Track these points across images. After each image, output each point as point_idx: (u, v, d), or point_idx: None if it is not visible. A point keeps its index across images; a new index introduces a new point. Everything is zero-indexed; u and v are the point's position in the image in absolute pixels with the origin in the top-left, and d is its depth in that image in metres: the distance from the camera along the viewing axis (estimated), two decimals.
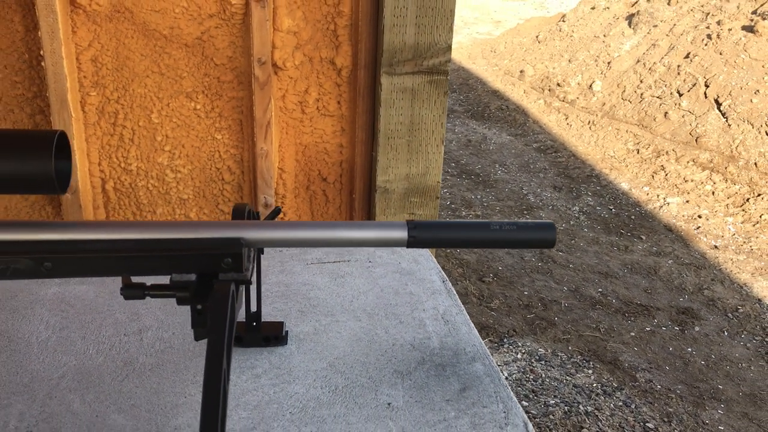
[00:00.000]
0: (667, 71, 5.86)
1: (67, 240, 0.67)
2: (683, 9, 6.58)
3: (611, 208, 4.47)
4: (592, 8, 7.89)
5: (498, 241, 0.71)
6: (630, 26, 6.83)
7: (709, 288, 3.53)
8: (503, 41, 8.56)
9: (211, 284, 0.67)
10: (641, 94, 5.83)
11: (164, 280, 0.72)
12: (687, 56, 5.87)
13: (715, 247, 4.00)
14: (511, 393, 0.94)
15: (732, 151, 4.92)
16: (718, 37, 5.83)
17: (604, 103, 6.06)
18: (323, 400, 0.89)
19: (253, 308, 0.99)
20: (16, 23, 1.69)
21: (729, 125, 5.11)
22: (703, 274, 3.68)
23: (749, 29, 5.79)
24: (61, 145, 0.63)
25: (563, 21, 8.09)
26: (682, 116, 5.38)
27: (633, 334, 3.06)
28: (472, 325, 1.09)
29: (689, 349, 2.98)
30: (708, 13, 6.26)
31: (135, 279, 0.72)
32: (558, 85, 6.64)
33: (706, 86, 5.46)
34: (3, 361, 0.92)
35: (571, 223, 4.21)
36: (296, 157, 1.94)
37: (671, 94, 5.62)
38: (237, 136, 1.88)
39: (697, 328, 3.16)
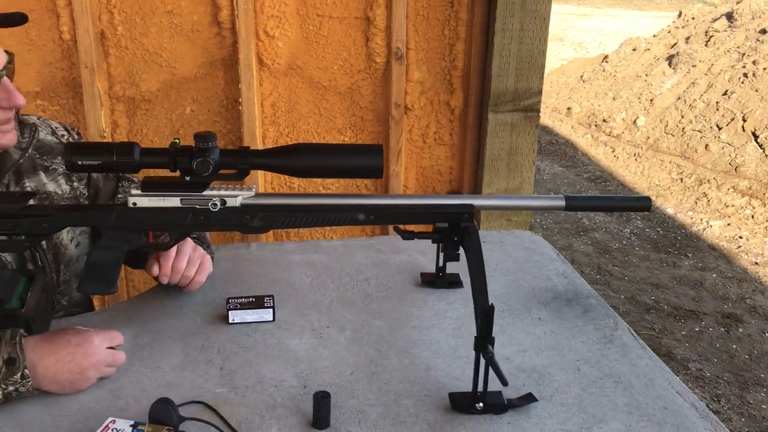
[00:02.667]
0: (707, 107, 6.34)
1: (383, 204, 1.22)
2: (720, 50, 7.07)
3: (659, 230, 4.93)
4: (633, 50, 8.43)
5: (617, 207, 1.25)
6: (670, 66, 7.33)
7: (750, 297, 3.97)
8: (549, 81, 9.11)
9: (458, 229, 1.21)
10: (683, 128, 6.31)
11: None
12: (725, 93, 6.34)
13: (756, 263, 4.43)
14: (617, 315, 1.46)
15: None
16: (754, 76, 6.30)
17: (648, 137, 6.55)
18: (497, 315, 1.42)
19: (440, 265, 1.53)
20: (219, 78, 2.30)
21: (766, 155, 5.55)
22: (744, 286, 4.12)
23: None
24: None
25: (606, 62, 8.63)
26: (722, 148, 5.84)
27: (684, 333, 3.51)
28: (583, 279, 1.61)
29: (734, 346, 3.42)
30: (744, 54, 6.74)
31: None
32: (604, 120, 7.16)
33: (744, 120, 5.92)
34: (290, 293, 1.46)
35: (624, 242, 4.69)
36: (416, 176, 2.50)
37: (711, 128, 6.09)
38: None
39: (740, 330, 3.60)
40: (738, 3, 7.94)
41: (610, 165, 6.40)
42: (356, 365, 1.25)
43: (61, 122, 1.54)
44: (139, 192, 1.18)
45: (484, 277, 1.11)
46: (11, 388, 1.07)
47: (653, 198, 5.50)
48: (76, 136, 1.53)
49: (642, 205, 1.26)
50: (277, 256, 1.69)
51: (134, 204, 1.18)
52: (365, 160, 1.15)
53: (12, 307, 1.23)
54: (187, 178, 1.17)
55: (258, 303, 1.39)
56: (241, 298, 1.40)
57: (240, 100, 2.28)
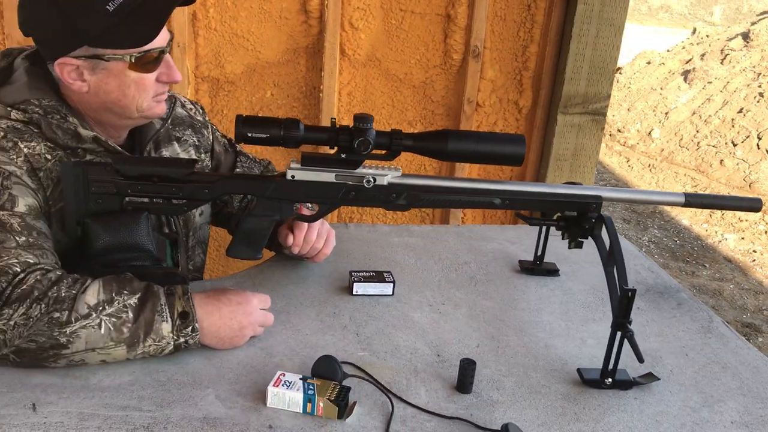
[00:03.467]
0: (722, 123, 6.48)
1: (516, 190, 1.31)
2: (735, 69, 7.22)
3: (676, 239, 5.06)
4: (648, 63, 8.57)
5: (731, 206, 1.35)
6: (686, 81, 7.48)
7: None
8: None
9: (588, 218, 1.30)
10: (698, 143, 6.45)
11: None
12: (740, 111, 6.49)
13: None
14: (710, 309, 1.55)
15: None
16: None
17: (663, 149, 6.69)
18: (594, 306, 1.51)
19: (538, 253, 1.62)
20: (301, 65, 2.38)
21: None
22: (761, 297, 4.25)
23: None
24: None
25: (620, 73, 8.76)
26: (737, 164, 5.98)
27: None
28: (669, 275, 1.71)
29: None
30: (759, 74, 6.89)
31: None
32: (618, 131, 7.29)
33: (759, 138, 6.07)
34: (399, 271, 1.54)
35: (643, 250, 4.81)
36: (479, 171, 2.59)
37: (726, 144, 6.24)
38: None
39: (760, 339, 3.72)
40: (753, 24, 8.10)
41: (625, 174, 6.53)
42: (480, 339, 1.34)
43: (186, 97, 1.62)
44: (298, 165, 1.26)
45: (623, 261, 1.20)
46: (182, 339, 1.15)
47: (669, 209, 5.63)
48: (201, 110, 1.61)
49: (754, 205, 1.35)
50: (376, 237, 1.77)
51: (293, 176, 1.26)
52: (511, 148, 1.24)
53: (169, 266, 1.31)
54: (343, 156, 1.25)
55: (379, 277, 1.47)
56: (363, 272, 1.49)
57: (321, 87, 2.36)
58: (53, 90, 1.28)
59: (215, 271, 2.39)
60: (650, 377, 1.24)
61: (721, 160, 6.11)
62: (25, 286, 1.07)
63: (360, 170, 1.27)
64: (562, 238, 1.38)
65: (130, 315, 1.11)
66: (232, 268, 2.34)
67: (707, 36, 8.80)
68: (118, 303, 1.11)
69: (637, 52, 9.08)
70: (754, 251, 4.94)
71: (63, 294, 1.08)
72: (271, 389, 1.08)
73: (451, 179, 1.32)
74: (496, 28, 2.39)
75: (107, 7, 1.19)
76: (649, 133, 7.01)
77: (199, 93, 2.35)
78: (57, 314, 1.07)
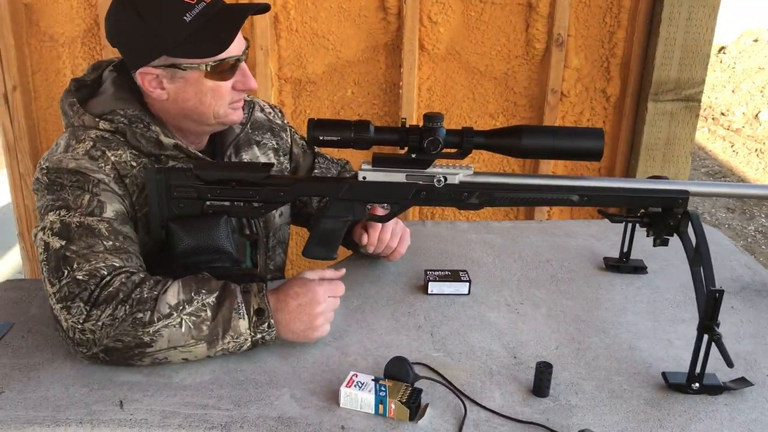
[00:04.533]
0: None
1: (595, 186, 1.26)
2: None
3: None
4: (755, 40, 8.05)
5: None
6: None
7: None
8: None
9: (674, 214, 1.24)
10: None
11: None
12: None
13: None
14: None
15: None
16: None
17: None
18: (684, 305, 1.43)
19: (624, 249, 1.56)
20: (381, 62, 2.38)
21: None
22: None
23: None
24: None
25: (723, 53, 8.28)
26: None
27: None
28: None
29: None
30: None
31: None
32: (722, 114, 6.89)
33: None
34: (476, 270, 1.52)
35: (749, 240, 4.54)
36: (565, 162, 2.51)
37: None
38: None
39: None
40: None
41: (729, 160, 6.17)
42: (559, 341, 1.30)
43: (265, 101, 1.66)
44: (369, 167, 1.26)
45: (710, 261, 1.14)
46: (259, 335, 1.18)
47: None
48: (279, 114, 1.64)
49: None
50: (453, 234, 1.75)
51: (364, 178, 1.27)
52: (589, 143, 1.20)
53: (248, 267, 1.35)
54: (413, 156, 1.24)
55: (454, 276, 1.46)
56: (438, 270, 1.48)
57: (400, 83, 2.36)
58: (137, 99, 1.34)
59: (296, 271, 2.44)
60: (743, 382, 1.16)
61: None
62: (111, 289, 1.13)
63: (430, 170, 1.26)
64: (647, 235, 1.32)
65: (209, 313, 1.15)
66: (312, 268, 2.38)
67: None
68: (197, 302, 1.15)
69: (743, 30, 8.55)
70: None
71: (146, 295, 1.14)
72: (343, 390, 1.09)
73: (525, 176, 1.29)
74: (581, 15, 2.31)
75: (185, 18, 1.24)
76: (756, 115, 6.58)
77: (283, 94, 2.40)
78: (140, 314, 1.12)
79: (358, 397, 1.09)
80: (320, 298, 1.23)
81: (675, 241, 1.29)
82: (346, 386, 1.10)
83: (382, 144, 1.24)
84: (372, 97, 2.43)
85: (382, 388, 1.09)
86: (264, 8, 1.33)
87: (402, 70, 2.33)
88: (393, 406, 1.07)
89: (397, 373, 1.13)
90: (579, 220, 2.33)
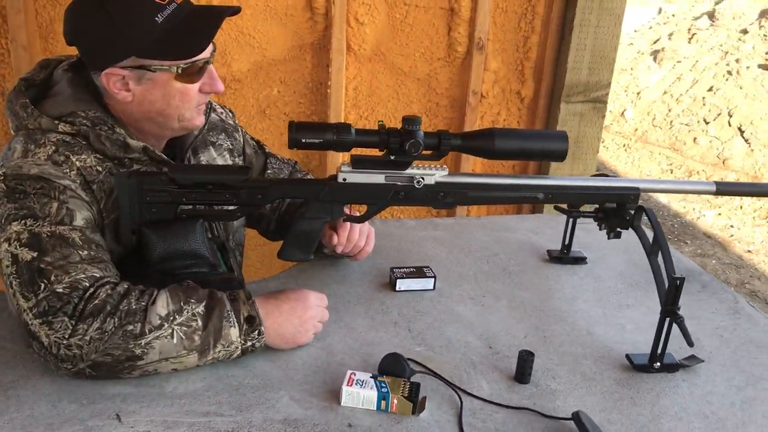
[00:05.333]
0: (693, 102, 6.64)
1: (558, 185, 1.35)
2: (703, 48, 7.38)
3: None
4: None
5: (760, 193, 1.41)
6: (655, 61, 7.62)
7: (749, 283, 4.25)
8: None
9: (627, 209, 1.36)
10: (671, 122, 6.60)
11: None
12: (710, 89, 6.65)
13: (749, 251, 4.73)
14: (731, 289, 1.62)
15: (756, 172, 5.68)
16: (738, 73, 6.62)
17: (637, 129, 6.83)
18: (625, 292, 1.57)
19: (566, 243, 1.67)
20: (307, 62, 2.39)
21: (752, 150, 5.87)
22: (742, 272, 4.40)
23: (765, 67, 6.59)
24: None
25: None
26: (710, 141, 6.14)
27: None
28: (689, 259, 1.78)
29: None
30: (727, 52, 7.06)
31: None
32: None
33: (730, 116, 6.23)
34: (434, 265, 1.58)
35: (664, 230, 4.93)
36: (483, 160, 2.63)
37: (698, 122, 6.39)
38: None
39: None
40: (717, 3, 8.28)
41: (601, 155, 6.65)
42: (526, 330, 1.39)
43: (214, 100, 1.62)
44: (349, 168, 1.28)
45: (668, 250, 1.26)
46: (249, 343, 1.17)
47: None
48: (231, 114, 1.62)
49: None
50: (403, 232, 1.81)
51: (344, 179, 1.29)
52: (555, 145, 1.28)
53: (225, 271, 1.33)
54: (392, 157, 1.28)
55: (419, 273, 1.51)
56: (404, 268, 1.52)
57: (328, 83, 2.37)
58: (97, 100, 1.28)
59: (249, 272, 2.39)
60: (694, 359, 1.30)
61: (695, 138, 6.27)
62: (97, 301, 1.08)
63: (409, 171, 1.30)
64: (600, 229, 1.43)
65: (200, 323, 1.13)
66: (266, 270, 2.36)
67: (673, 15, 8.96)
68: (187, 312, 1.13)
69: None
70: (731, 226, 5.09)
71: (134, 306, 1.10)
72: (345, 388, 1.11)
73: (496, 176, 1.36)
74: (498, 20, 2.43)
75: (156, 18, 1.20)
76: (623, 113, 7.14)
77: None
78: (131, 327, 1.08)
79: (360, 395, 1.11)
80: (311, 302, 1.25)
81: (603, 235, 1.41)
82: (347, 385, 1.12)
83: (362, 146, 1.26)
84: (298, 95, 2.43)
85: (383, 385, 1.12)
86: (237, 11, 1.31)
87: (330, 69, 2.35)
88: (395, 402, 1.10)
89: (394, 369, 1.16)
90: (511, 215, 2.46)
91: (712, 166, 5.93)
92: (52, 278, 1.09)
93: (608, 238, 1.41)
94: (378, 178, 1.30)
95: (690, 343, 1.22)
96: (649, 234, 1.35)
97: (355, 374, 1.14)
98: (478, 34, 2.38)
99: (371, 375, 1.14)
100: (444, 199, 1.32)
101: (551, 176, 1.38)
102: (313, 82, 2.42)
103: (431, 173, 1.31)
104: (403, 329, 1.35)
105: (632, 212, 1.36)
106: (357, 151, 1.26)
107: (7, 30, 2.11)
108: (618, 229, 1.39)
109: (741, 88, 6.45)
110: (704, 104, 6.51)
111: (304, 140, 1.22)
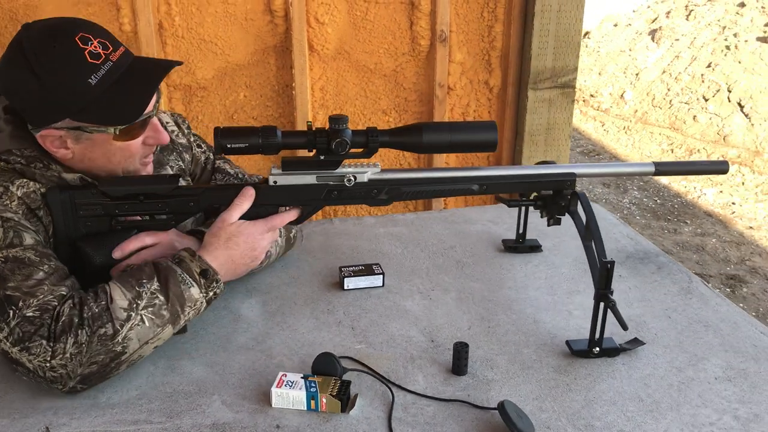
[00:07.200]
0: (692, 79, 6.56)
1: (492, 175, 1.35)
2: (701, 24, 7.29)
3: (656, 199, 5.14)
4: (615, 25, 8.62)
5: (699, 171, 1.40)
6: (653, 40, 7.54)
7: (750, 259, 4.19)
8: None
9: (563, 195, 1.35)
10: (670, 101, 6.52)
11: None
12: (709, 65, 6.56)
13: (750, 227, 4.66)
14: (687, 269, 1.61)
15: (757, 147, 5.60)
16: (736, 48, 6.53)
17: (636, 110, 6.76)
18: (578, 278, 1.56)
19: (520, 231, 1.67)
20: (271, 65, 2.40)
21: (752, 125, 5.79)
22: (743, 249, 4.35)
23: (764, 40, 6.49)
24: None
25: (588, 38, 8.81)
26: (710, 119, 6.06)
27: None
28: (648, 240, 1.77)
29: (741, 305, 3.63)
30: (724, 27, 6.96)
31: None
32: (591, 95, 7.35)
33: (729, 92, 6.15)
34: (387, 262, 1.58)
35: (624, 212, 4.89)
36: (456, 154, 2.62)
37: (697, 99, 6.31)
38: None
39: (744, 290, 3.82)
40: None
41: (601, 138, 6.59)
42: (471, 321, 1.39)
43: (170, 112, 1.61)
44: (279, 171, 1.29)
45: (600, 235, 1.25)
46: (211, 293, 1.22)
47: None
48: (185, 129, 1.59)
49: (721, 168, 1.41)
50: (361, 230, 1.81)
51: (275, 182, 1.29)
52: (485, 136, 1.28)
53: None
54: (322, 157, 1.28)
55: (368, 270, 1.51)
56: (352, 266, 1.53)
57: (293, 84, 2.38)
58: (35, 140, 1.23)
59: None
60: (636, 342, 1.29)
61: (694, 116, 6.19)
62: (64, 318, 1.10)
63: (340, 170, 1.30)
64: (541, 217, 1.43)
65: (161, 298, 1.16)
66: None
67: None
68: (145, 294, 1.15)
69: (603, 15, 9.12)
70: (733, 203, 5.03)
71: (96, 310, 1.12)
72: (274, 390, 1.12)
73: (429, 170, 1.36)
74: (461, 11, 2.42)
75: (90, 80, 1.16)
76: (622, 95, 7.07)
77: (173, 101, 2.36)
78: (102, 329, 1.10)
79: (290, 396, 1.12)
80: (254, 230, 1.30)
81: (566, 219, 1.40)
82: (277, 386, 1.13)
83: (290, 148, 1.27)
84: (265, 99, 2.44)
85: (312, 385, 1.12)
86: (177, 63, 1.28)
87: (293, 71, 2.36)
88: (324, 400, 1.11)
89: (325, 368, 1.17)
90: (475, 206, 2.45)
91: (713, 143, 5.86)
92: (20, 304, 1.10)
93: (548, 225, 1.41)
94: (309, 178, 1.30)
95: (624, 327, 1.21)
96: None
97: (285, 375, 1.15)
98: (439, 26, 2.38)
99: (302, 375, 1.15)
100: (378, 195, 1.33)
101: (486, 167, 1.38)
102: (279, 85, 2.43)
103: (363, 171, 1.31)
104: (346, 328, 1.36)
105: (568, 198, 1.35)
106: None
107: None
108: (557, 216, 1.39)
109: (740, 62, 6.36)
110: (703, 81, 6.43)
111: (229, 145, 1.23)
